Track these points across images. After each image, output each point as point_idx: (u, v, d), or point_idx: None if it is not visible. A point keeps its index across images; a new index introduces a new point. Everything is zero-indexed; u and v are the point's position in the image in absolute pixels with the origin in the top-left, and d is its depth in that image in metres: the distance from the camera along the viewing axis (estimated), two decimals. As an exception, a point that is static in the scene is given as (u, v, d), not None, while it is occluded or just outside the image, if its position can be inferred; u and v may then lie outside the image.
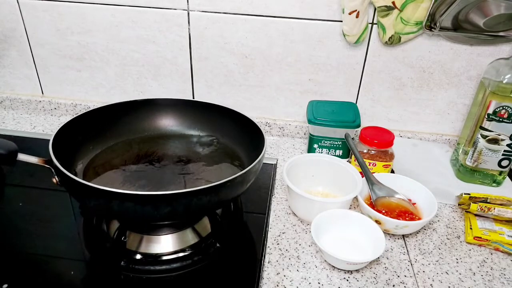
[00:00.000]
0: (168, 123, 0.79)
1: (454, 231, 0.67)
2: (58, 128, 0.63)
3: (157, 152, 0.73)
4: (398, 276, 0.58)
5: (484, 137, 0.72)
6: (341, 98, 0.87)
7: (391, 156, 0.74)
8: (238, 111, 0.73)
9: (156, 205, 0.51)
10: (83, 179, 0.64)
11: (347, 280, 0.57)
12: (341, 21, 0.77)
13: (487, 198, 0.68)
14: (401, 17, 0.74)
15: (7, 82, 0.96)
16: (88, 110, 0.70)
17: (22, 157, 0.56)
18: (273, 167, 0.81)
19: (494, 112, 0.69)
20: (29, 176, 0.74)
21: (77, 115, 0.68)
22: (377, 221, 0.63)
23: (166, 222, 0.61)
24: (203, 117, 0.78)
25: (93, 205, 0.58)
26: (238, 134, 0.73)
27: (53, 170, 0.55)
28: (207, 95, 0.91)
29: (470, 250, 0.63)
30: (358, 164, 0.71)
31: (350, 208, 0.69)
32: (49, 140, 0.60)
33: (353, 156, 0.73)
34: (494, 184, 0.76)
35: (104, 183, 0.64)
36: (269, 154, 0.86)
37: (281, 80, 0.87)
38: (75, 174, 0.65)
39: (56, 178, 0.55)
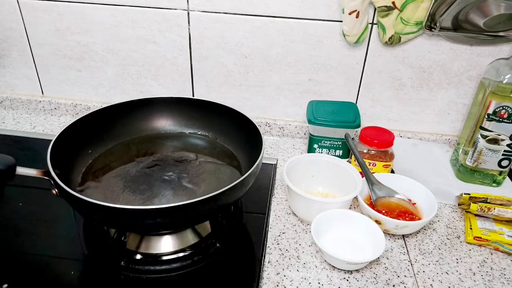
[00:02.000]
0: (166, 122, 0.78)
1: (454, 231, 0.67)
2: (55, 136, 0.62)
3: (156, 153, 0.73)
4: (398, 276, 0.58)
5: (484, 137, 0.72)
6: (341, 98, 0.87)
7: (391, 156, 0.74)
8: (237, 110, 0.72)
9: (154, 218, 0.52)
10: (83, 185, 0.65)
11: (347, 280, 0.57)
12: (341, 21, 0.77)
13: (487, 198, 0.68)
14: (401, 17, 0.74)
15: (7, 82, 0.96)
16: (85, 114, 0.70)
17: (21, 170, 0.55)
18: (273, 167, 0.81)
19: (494, 112, 0.69)
20: (29, 176, 0.74)
21: (73, 121, 0.67)
22: (377, 221, 0.63)
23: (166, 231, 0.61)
24: (201, 116, 0.77)
25: (93, 217, 0.58)
26: (237, 134, 0.73)
27: (52, 182, 0.54)
28: (207, 95, 0.91)
29: (470, 250, 0.63)
30: (358, 164, 0.71)
31: (350, 208, 0.69)
32: (48, 140, 0.60)
33: (353, 156, 0.73)
34: (494, 184, 0.76)
35: (104, 189, 0.64)
36: (269, 154, 0.86)
37: (281, 80, 0.87)
38: (75, 182, 0.65)
39: (56, 190, 0.55)
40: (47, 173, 0.55)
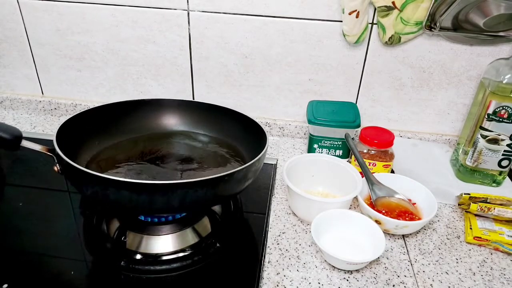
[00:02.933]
0: (173, 122, 0.79)
1: (454, 231, 0.67)
2: (66, 119, 0.64)
3: (161, 151, 0.73)
4: (398, 276, 0.58)
5: (484, 137, 0.72)
6: (341, 98, 0.87)
7: (391, 156, 0.74)
8: (242, 112, 0.73)
9: (151, 194, 0.52)
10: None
11: (347, 280, 0.57)
12: (341, 21, 0.77)
13: (487, 198, 0.68)
14: (401, 17, 0.74)
15: (7, 82, 0.96)
16: (96, 106, 0.71)
17: (25, 143, 0.57)
18: (273, 167, 0.81)
19: (494, 112, 0.69)
20: (29, 176, 0.75)
21: (84, 110, 0.69)
22: (377, 221, 0.63)
23: (163, 216, 0.61)
24: (208, 118, 0.78)
25: (91, 193, 0.58)
26: (242, 136, 0.74)
27: (55, 158, 0.56)
28: (207, 95, 0.91)
29: (470, 250, 0.63)
30: (358, 164, 0.71)
31: (350, 208, 0.69)
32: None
33: (353, 156, 0.73)
34: (494, 184, 0.76)
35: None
36: (269, 154, 0.86)
37: (281, 80, 0.87)
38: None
39: (58, 166, 0.56)
40: (51, 150, 0.57)
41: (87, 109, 0.70)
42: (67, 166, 0.53)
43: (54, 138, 0.58)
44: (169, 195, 0.52)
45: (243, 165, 0.70)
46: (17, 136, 0.57)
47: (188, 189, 0.52)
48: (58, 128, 0.61)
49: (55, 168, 0.57)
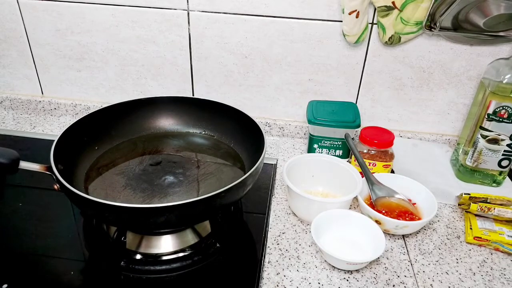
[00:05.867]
0: (173, 121, 0.79)
1: (454, 231, 0.67)
2: (63, 130, 0.63)
3: (161, 151, 0.73)
4: (398, 276, 0.58)
5: (484, 137, 0.72)
6: (341, 98, 0.87)
7: (391, 156, 0.74)
8: (243, 111, 0.73)
9: (149, 216, 0.52)
10: (87, 180, 0.65)
11: (347, 280, 0.57)
12: (341, 21, 0.77)
13: (487, 198, 0.68)
14: (401, 17, 0.74)
15: (7, 82, 0.96)
16: (93, 111, 0.71)
17: (24, 164, 0.56)
18: (273, 167, 0.81)
19: (494, 112, 0.69)
20: (29, 176, 0.74)
21: (82, 116, 0.68)
22: (377, 221, 0.63)
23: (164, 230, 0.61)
24: (208, 116, 0.78)
25: (91, 214, 0.58)
26: (241, 135, 0.73)
27: (54, 177, 0.55)
28: (207, 95, 0.91)
29: (470, 250, 0.63)
30: (358, 164, 0.71)
31: (350, 208, 0.69)
32: (48, 140, 0.60)
33: (353, 156, 0.73)
34: (494, 184, 0.76)
35: (107, 186, 0.64)
36: (269, 154, 0.86)
37: (281, 80, 0.87)
38: (79, 177, 0.65)
39: (57, 185, 0.55)
40: (49, 168, 0.56)
41: (82, 116, 0.68)
42: (65, 188, 0.52)
43: (51, 158, 0.57)
44: (167, 215, 0.52)
45: (241, 164, 0.71)
46: (14, 159, 0.55)
47: (183, 209, 0.51)
48: (55, 143, 0.60)
49: (55, 187, 0.56)
